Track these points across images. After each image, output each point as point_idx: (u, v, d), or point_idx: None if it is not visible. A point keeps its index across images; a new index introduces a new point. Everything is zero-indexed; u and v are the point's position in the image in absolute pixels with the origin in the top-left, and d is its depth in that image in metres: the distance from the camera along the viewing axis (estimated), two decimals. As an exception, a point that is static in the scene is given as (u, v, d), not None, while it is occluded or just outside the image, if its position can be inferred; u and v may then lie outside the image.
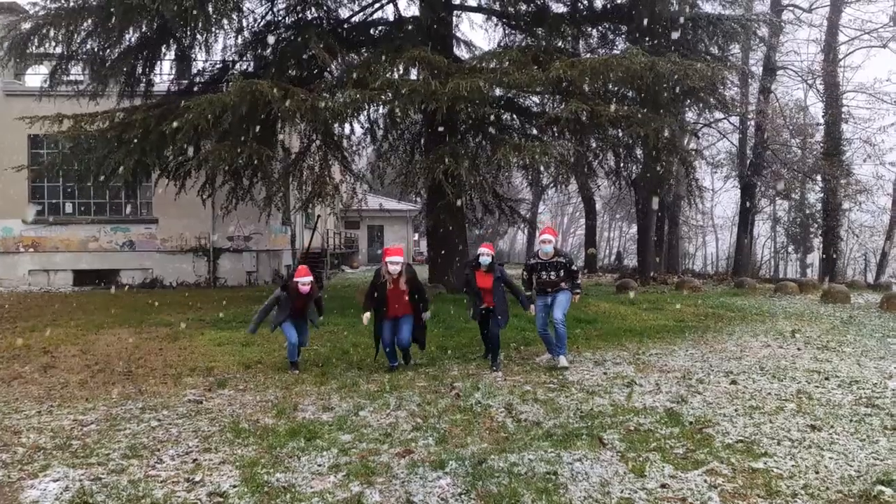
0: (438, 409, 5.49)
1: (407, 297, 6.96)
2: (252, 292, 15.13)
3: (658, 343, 8.69)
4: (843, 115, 21.73)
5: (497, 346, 7.22)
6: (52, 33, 11.31)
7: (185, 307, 12.13)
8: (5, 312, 11.64)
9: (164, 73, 15.32)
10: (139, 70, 13.25)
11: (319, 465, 4.17)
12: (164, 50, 13.06)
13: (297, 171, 13.51)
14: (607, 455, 4.29)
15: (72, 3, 11.52)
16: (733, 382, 6.33)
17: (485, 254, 7.14)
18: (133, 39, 12.33)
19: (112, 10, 10.47)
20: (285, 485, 3.84)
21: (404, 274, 6.88)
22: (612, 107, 11.22)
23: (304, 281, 7.21)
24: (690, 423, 4.98)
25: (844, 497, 3.61)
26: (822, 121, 22.88)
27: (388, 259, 6.89)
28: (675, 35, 12.98)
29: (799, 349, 8.19)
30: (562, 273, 7.16)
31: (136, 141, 11.30)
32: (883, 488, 3.64)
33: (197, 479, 3.95)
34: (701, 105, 14.40)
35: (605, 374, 6.83)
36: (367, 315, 7.00)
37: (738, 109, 18.57)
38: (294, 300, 7.14)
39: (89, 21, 11.30)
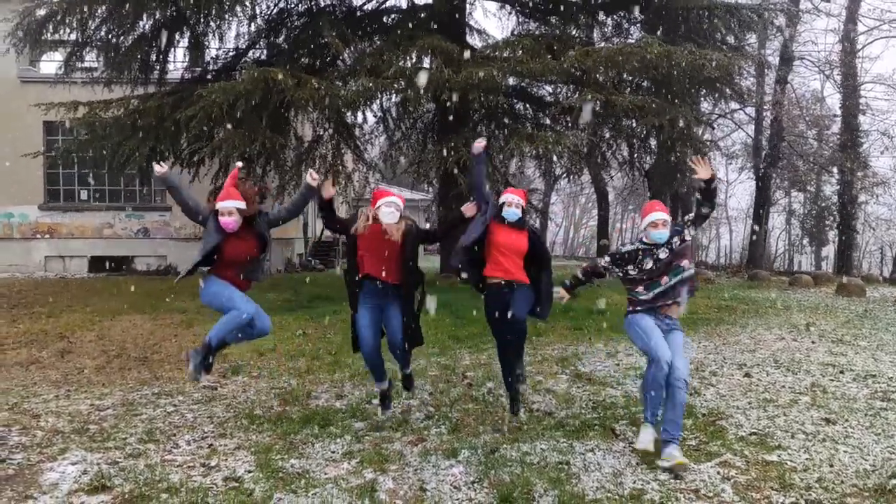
0: (451, 398, 5.52)
1: (399, 257, 4.57)
2: (264, 280, 15.19)
3: (670, 335, 8.64)
4: (860, 107, 21.39)
5: (520, 356, 4.93)
6: (66, 20, 11.37)
7: (199, 294, 12.21)
8: (22, 298, 11.77)
9: (177, 61, 15.36)
10: (153, 57, 13.29)
11: (333, 452, 4.20)
12: (177, 37, 13.07)
13: (309, 159, 13.53)
14: (620, 446, 4.30)
15: (86, -10, 11.54)
16: (747, 375, 6.29)
17: (512, 203, 4.63)
18: (147, 26, 12.36)
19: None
20: (300, 471, 3.88)
21: (403, 227, 4.59)
22: (627, 97, 11.12)
23: (225, 206, 4.21)
24: (703, 415, 4.97)
25: (859, 491, 3.60)
26: (838, 112, 22.56)
27: (382, 200, 4.55)
28: (690, 24, 12.82)
29: (813, 342, 8.12)
30: (679, 274, 4.20)
31: (150, 128, 11.36)
32: (898, 483, 3.62)
33: (212, 464, 4.00)
34: (716, 95, 14.25)
35: (617, 365, 6.82)
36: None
37: (754, 100, 18.33)
38: (226, 243, 4.41)
39: (103, 8, 11.32)
